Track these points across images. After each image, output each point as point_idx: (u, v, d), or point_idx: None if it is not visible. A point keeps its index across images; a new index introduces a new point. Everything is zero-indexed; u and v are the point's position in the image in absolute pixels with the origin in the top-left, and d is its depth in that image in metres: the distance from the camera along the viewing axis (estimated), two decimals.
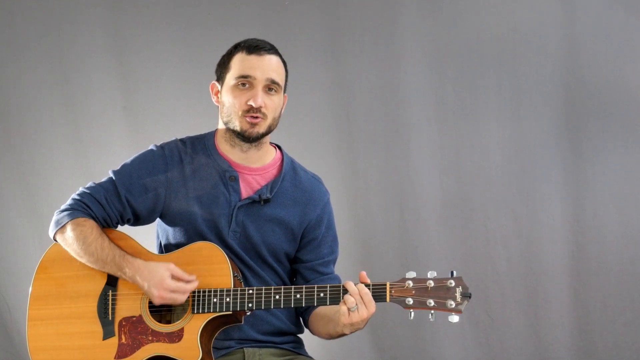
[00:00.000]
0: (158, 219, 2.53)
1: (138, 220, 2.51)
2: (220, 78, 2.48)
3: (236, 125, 2.42)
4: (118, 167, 2.49)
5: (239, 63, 2.42)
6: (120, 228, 2.50)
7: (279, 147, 2.58)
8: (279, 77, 2.43)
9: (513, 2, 3.72)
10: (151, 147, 2.52)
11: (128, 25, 3.95)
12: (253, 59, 2.41)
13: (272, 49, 2.44)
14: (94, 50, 3.95)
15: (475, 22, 3.75)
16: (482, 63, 3.74)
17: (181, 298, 2.32)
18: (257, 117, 2.39)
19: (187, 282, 2.33)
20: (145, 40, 3.94)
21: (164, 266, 2.33)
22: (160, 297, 2.31)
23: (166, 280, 2.31)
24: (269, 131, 2.45)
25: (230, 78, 2.43)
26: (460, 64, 3.76)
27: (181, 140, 2.54)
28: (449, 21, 3.77)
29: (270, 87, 2.41)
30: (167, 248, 2.51)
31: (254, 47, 2.42)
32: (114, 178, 2.46)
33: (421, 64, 3.79)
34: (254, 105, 2.38)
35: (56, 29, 3.96)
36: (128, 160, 2.50)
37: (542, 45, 3.69)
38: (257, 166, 2.49)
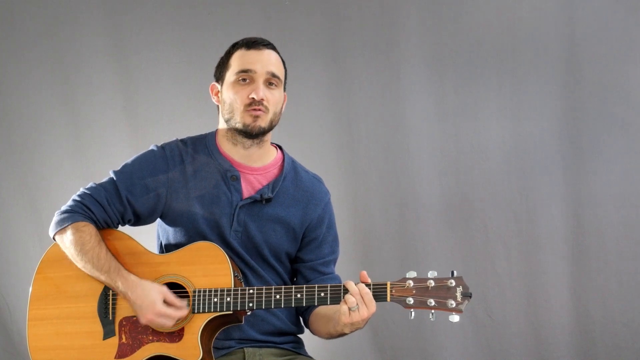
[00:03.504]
0: (159, 219, 2.52)
1: (139, 220, 2.51)
2: (219, 78, 2.48)
3: (238, 121, 2.41)
4: (119, 168, 2.48)
5: (239, 59, 2.43)
6: (120, 228, 2.50)
7: (280, 147, 2.58)
8: (279, 71, 2.44)
9: (513, 1, 3.72)
10: (152, 147, 2.52)
11: (128, 25, 3.95)
12: (252, 53, 2.42)
13: (270, 45, 2.46)
14: (94, 51, 3.95)
15: (475, 21, 3.75)
16: (482, 63, 3.74)
17: (169, 323, 2.32)
18: (259, 109, 2.39)
19: (178, 308, 2.32)
20: (145, 40, 3.94)
21: (157, 289, 2.33)
22: (149, 320, 2.32)
23: (158, 304, 2.30)
24: (270, 126, 2.45)
25: (231, 75, 2.43)
26: (460, 64, 3.76)
27: (182, 140, 2.53)
28: (449, 21, 3.77)
29: (271, 81, 2.42)
30: (167, 248, 2.51)
31: (253, 42, 2.43)
32: (114, 178, 2.46)
33: (421, 64, 3.79)
34: (256, 97, 2.38)
35: (56, 30, 3.96)
36: (129, 160, 2.50)
37: (542, 45, 3.69)
38: (258, 165, 2.49)
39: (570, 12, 3.66)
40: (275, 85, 2.43)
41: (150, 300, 2.31)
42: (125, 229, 2.51)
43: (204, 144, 2.51)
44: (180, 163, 2.48)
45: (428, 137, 3.80)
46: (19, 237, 4.01)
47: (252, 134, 2.42)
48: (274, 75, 2.42)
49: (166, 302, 2.32)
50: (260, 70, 2.40)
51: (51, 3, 3.97)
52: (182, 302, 2.33)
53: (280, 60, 2.47)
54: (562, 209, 3.71)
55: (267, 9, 3.88)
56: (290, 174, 2.52)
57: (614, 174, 3.67)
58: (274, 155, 2.53)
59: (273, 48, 2.47)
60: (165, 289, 2.33)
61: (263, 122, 2.41)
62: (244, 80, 2.41)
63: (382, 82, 3.83)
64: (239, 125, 2.42)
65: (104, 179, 2.48)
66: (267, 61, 2.41)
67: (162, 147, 2.51)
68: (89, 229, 2.40)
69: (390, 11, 3.81)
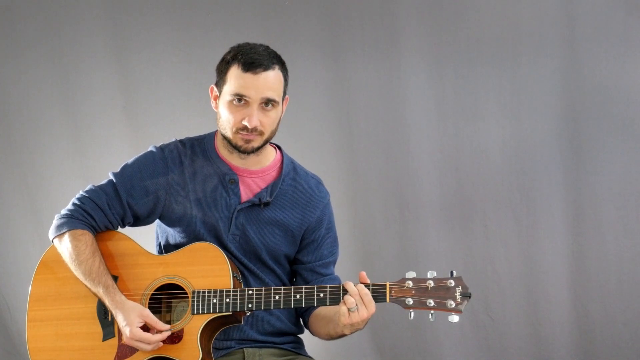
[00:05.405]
0: (157, 220, 2.52)
1: (137, 221, 2.51)
2: (218, 84, 2.43)
3: (231, 139, 2.39)
4: (118, 170, 2.48)
5: (234, 79, 2.34)
6: (119, 229, 2.50)
7: (279, 148, 2.57)
8: (276, 94, 2.36)
9: (513, 1, 3.72)
10: (151, 148, 2.51)
11: (128, 25, 3.95)
12: (248, 77, 2.33)
13: (268, 66, 2.34)
14: (94, 50, 3.95)
15: (475, 21, 3.75)
16: (482, 63, 3.74)
17: (146, 348, 2.30)
18: (251, 135, 2.37)
19: (159, 331, 2.31)
20: (145, 40, 3.94)
21: (137, 312, 2.31)
22: (128, 343, 2.32)
23: (132, 328, 2.29)
24: (265, 143, 2.42)
25: (226, 93, 2.37)
26: (460, 64, 3.76)
27: (181, 141, 2.52)
28: (449, 21, 3.76)
29: (267, 103, 2.36)
30: (166, 248, 2.51)
31: (250, 64, 2.32)
32: (114, 181, 2.45)
33: (421, 64, 3.79)
34: (248, 126, 2.34)
35: (56, 29, 3.96)
36: (128, 162, 2.49)
37: (542, 45, 3.69)
38: (256, 169, 2.48)
39: (570, 12, 3.66)
40: (272, 106, 2.36)
41: (128, 322, 2.30)
42: (124, 229, 2.51)
43: (203, 146, 2.50)
44: (179, 165, 2.47)
45: (428, 137, 3.80)
46: (19, 237, 4.01)
47: (245, 152, 2.40)
48: (269, 100, 2.35)
49: (149, 324, 2.31)
50: (255, 97, 2.33)
51: (51, 3, 3.97)
52: (164, 326, 2.31)
53: (279, 75, 2.37)
54: (562, 209, 3.71)
55: (267, 8, 3.88)
56: (289, 176, 2.51)
57: (614, 174, 3.66)
58: (272, 156, 2.52)
59: (271, 66, 2.34)
60: (146, 311, 2.31)
61: (256, 143, 2.38)
62: (239, 100, 2.35)
63: (382, 82, 3.83)
64: (232, 143, 2.40)
65: (103, 181, 2.47)
66: (262, 86, 2.33)
67: (161, 149, 2.50)
68: (85, 238, 2.39)
69: (390, 11, 3.81)
